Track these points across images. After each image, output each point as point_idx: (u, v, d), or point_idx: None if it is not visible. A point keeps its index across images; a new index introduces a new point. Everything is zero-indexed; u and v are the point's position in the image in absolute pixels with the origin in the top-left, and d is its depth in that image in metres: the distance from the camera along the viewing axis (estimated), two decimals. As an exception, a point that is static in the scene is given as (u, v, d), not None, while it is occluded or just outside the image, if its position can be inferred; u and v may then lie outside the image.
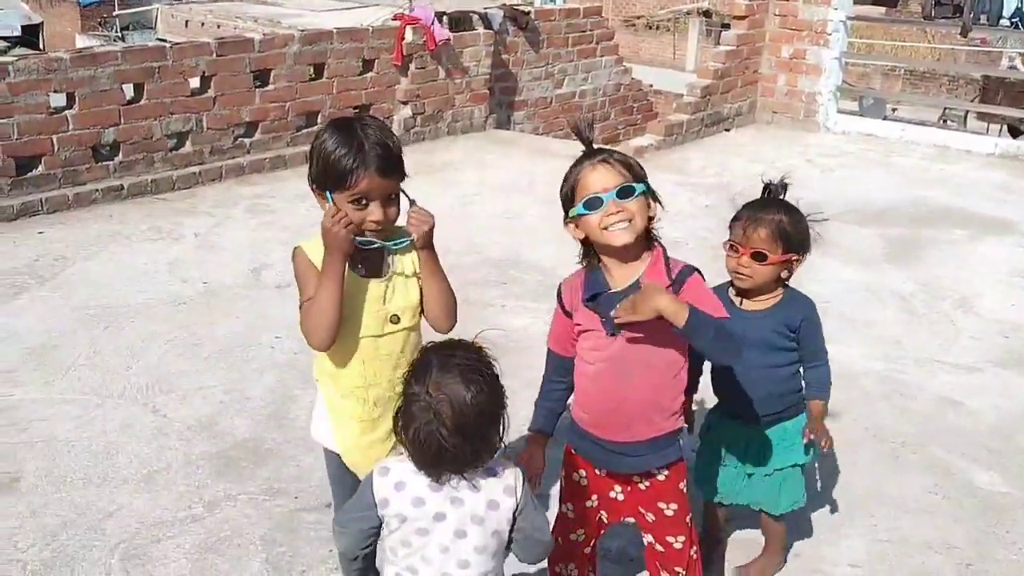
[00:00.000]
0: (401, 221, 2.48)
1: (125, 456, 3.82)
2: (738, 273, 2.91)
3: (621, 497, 2.63)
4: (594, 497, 2.65)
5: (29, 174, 6.51)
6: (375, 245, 2.42)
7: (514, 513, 2.11)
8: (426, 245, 2.47)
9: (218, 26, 15.28)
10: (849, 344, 5.08)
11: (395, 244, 2.44)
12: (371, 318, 2.46)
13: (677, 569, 2.69)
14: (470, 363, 2.05)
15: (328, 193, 2.39)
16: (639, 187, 2.38)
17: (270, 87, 7.73)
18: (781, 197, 3.01)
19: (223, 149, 7.53)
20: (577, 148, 2.53)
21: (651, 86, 12.19)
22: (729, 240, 2.94)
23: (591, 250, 2.48)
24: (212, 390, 4.35)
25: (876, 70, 20.71)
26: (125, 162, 6.98)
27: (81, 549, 3.26)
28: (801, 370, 3.04)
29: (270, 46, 7.68)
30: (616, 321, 2.36)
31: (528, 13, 9.70)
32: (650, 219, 2.43)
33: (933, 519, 3.62)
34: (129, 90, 6.98)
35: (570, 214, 2.43)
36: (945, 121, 13.62)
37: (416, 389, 2.04)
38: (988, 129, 13.05)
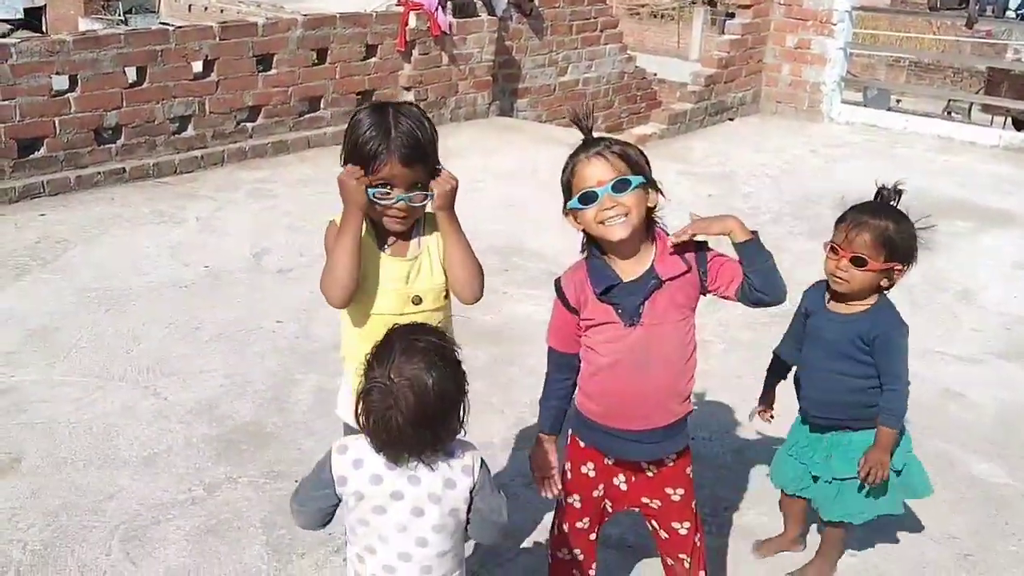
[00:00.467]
0: None
1: (126, 438, 3.82)
2: (836, 276, 2.83)
3: (625, 487, 2.62)
4: (601, 487, 2.64)
5: (31, 156, 6.50)
6: (392, 199, 2.38)
7: (471, 492, 2.11)
8: (444, 206, 2.42)
9: (221, 10, 15.23)
10: (851, 334, 5.07)
11: (409, 197, 2.39)
12: (392, 297, 2.45)
13: (681, 556, 2.68)
14: (433, 348, 2.04)
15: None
16: (635, 180, 2.35)
17: (273, 71, 7.71)
18: (893, 203, 2.88)
19: (225, 133, 7.52)
20: (578, 136, 2.51)
21: (655, 75, 12.15)
22: (830, 241, 2.85)
23: (593, 240, 2.46)
24: (213, 373, 4.35)
25: (880, 61, 20.63)
26: (127, 145, 6.96)
27: (81, 530, 3.27)
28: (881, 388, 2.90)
29: (273, 30, 7.65)
30: (682, 238, 2.38)
31: (532, 0, 9.66)
32: (650, 209, 2.41)
33: (933, 510, 3.61)
34: (132, 73, 6.96)
35: (567, 207, 2.42)
36: (950, 113, 13.56)
37: (377, 373, 2.03)
38: (992, 121, 12.99)
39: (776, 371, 3.23)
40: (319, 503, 2.17)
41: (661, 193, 2.44)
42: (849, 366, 2.87)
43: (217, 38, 7.30)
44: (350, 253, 2.37)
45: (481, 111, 9.26)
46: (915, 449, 4.01)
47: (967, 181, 8.08)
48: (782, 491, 3.24)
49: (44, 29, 20.74)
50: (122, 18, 19.76)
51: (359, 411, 2.05)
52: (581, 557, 2.73)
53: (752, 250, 2.39)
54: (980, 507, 3.67)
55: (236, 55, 7.43)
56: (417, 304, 2.47)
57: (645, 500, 2.63)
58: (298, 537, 3.28)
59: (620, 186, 2.33)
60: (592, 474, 2.62)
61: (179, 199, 6.65)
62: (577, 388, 2.58)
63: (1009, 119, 12.93)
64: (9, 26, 20.24)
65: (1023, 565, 3.37)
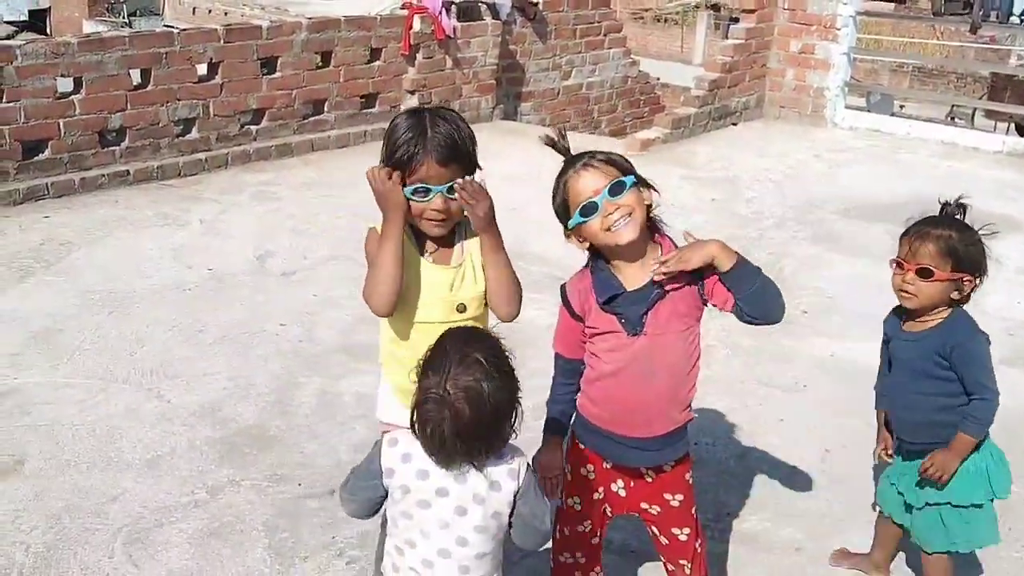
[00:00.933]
0: None
1: (129, 441, 3.82)
2: (903, 291, 2.79)
3: (623, 493, 2.62)
4: (600, 489, 2.64)
5: (36, 158, 6.51)
6: (429, 196, 2.37)
7: (515, 496, 2.11)
8: (484, 228, 2.41)
9: (225, 13, 15.26)
10: (855, 340, 5.07)
11: (443, 189, 2.37)
12: (438, 305, 2.45)
13: (682, 562, 2.68)
14: (488, 357, 2.04)
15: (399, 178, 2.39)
16: (629, 180, 2.35)
17: (277, 74, 7.72)
18: (958, 217, 2.85)
19: (229, 136, 7.52)
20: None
21: (658, 79, 12.15)
22: (895, 257, 2.82)
23: (598, 255, 2.45)
24: (216, 376, 4.36)
25: (884, 66, 20.62)
26: (132, 147, 6.97)
27: (84, 532, 3.27)
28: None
29: (277, 33, 7.66)
30: (662, 271, 2.34)
31: (536, 4, 9.66)
32: (648, 207, 2.41)
33: (936, 516, 3.61)
34: (136, 75, 6.97)
35: (569, 226, 2.41)
36: (953, 118, 13.56)
37: (433, 383, 2.03)
38: (995, 127, 12.99)
39: (879, 405, 3.13)
40: (368, 493, 2.19)
41: (654, 190, 2.44)
42: (930, 385, 2.81)
43: (221, 41, 7.31)
44: (394, 259, 2.37)
45: (485, 115, 9.27)
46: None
47: (971, 187, 7.97)
48: (879, 512, 3.18)
49: (48, 31, 20.78)
50: (126, 20, 19.80)
51: (414, 419, 2.06)
52: (583, 561, 2.72)
53: (737, 277, 2.35)
54: (983, 513, 3.66)
55: (240, 58, 7.44)
56: (462, 312, 2.47)
57: (644, 506, 2.63)
58: (301, 541, 3.29)
59: (616, 188, 2.33)
60: (592, 476, 2.62)
61: (183, 201, 6.66)
62: (580, 391, 2.58)
63: (1012, 125, 12.92)
64: (13, 28, 20.28)
65: (1026, 572, 3.36)
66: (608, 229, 2.34)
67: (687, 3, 24.88)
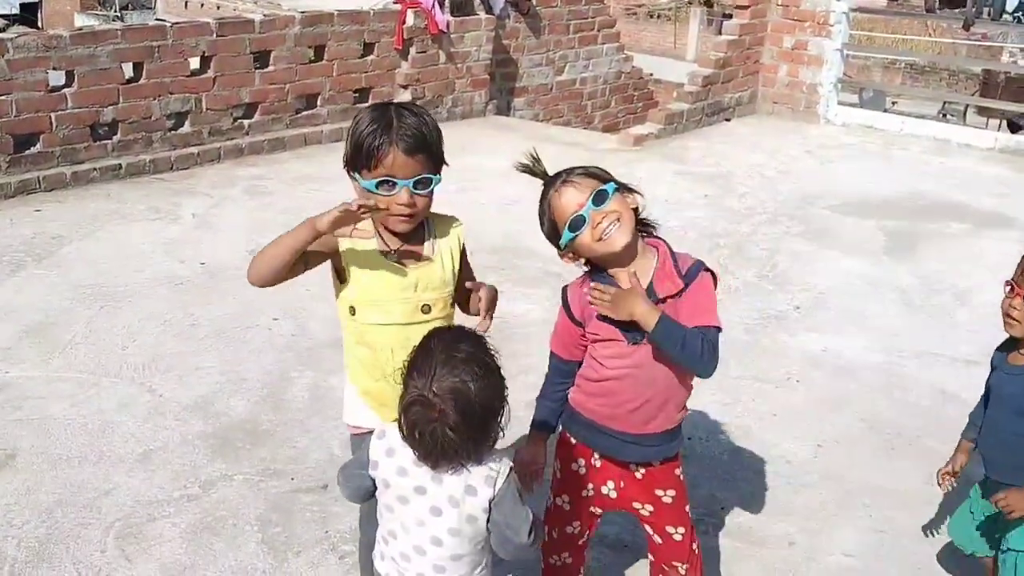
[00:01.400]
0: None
1: (121, 435, 3.81)
2: (1008, 316, 2.60)
3: (614, 494, 2.59)
4: (590, 486, 2.62)
5: (27, 152, 6.48)
6: (395, 189, 2.30)
7: (490, 502, 2.09)
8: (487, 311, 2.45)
9: (218, 7, 15.22)
10: (847, 336, 5.09)
11: (415, 186, 2.31)
12: (401, 306, 2.40)
13: (676, 563, 2.64)
14: (473, 357, 2.02)
15: (357, 175, 2.34)
16: (610, 187, 2.35)
17: (270, 69, 7.70)
18: None
19: (222, 130, 7.50)
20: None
21: (651, 75, 12.16)
22: (1009, 279, 2.61)
23: (596, 268, 2.44)
24: (209, 370, 4.35)
25: (877, 63, 20.68)
26: (124, 141, 6.95)
27: (76, 527, 3.26)
28: None
29: (270, 27, 7.64)
30: (590, 301, 2.36)
31: (530, -1, 9.67)
32: (635, 211, 2.40)
33: (928, 510, 3.62)
34: (128, 69, 6.94)
35: (562, 244, 2.40)
36: (945, 115, 13.60)
37: (419, 384, 2.01)
38: (987, 124, 13.03)
39: (967, 434, 2.94)
40: (358, 481, 2.20)
41: (638, 193, 2.43)
42: None
43: (214, 35, 7.29)
44: (291, 252, 2.31)
45: (478, 110, 9.26)
46: (909, 447, 4.06)
47: (963, 183, 8.10)
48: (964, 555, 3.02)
49: (40, 24, 20.71)
50: (118, 14, 19.74)
51: (401, 423, 2.04)
52: (570, 561, 2.71)
53: (657, 338, 2.31)
54: (975, 508, 3.67)
55: (233, 52, 7.42)
56: (426, 313, 2.42)
57: (636, 505, 2.61)
58: (294, 535, 3.28)
59: (599, 197, 2.33)
60: (583, 472, 2.60)
61: (175, 196, 6.64)
62: (575, 385, 2.57)
63: (1004, 121, 12.96)
64: (5, 21, 20.20)
65: (1018, 566, 3.37)
66: (600, 239, 2.33)
67: (680, -1, 24.92)
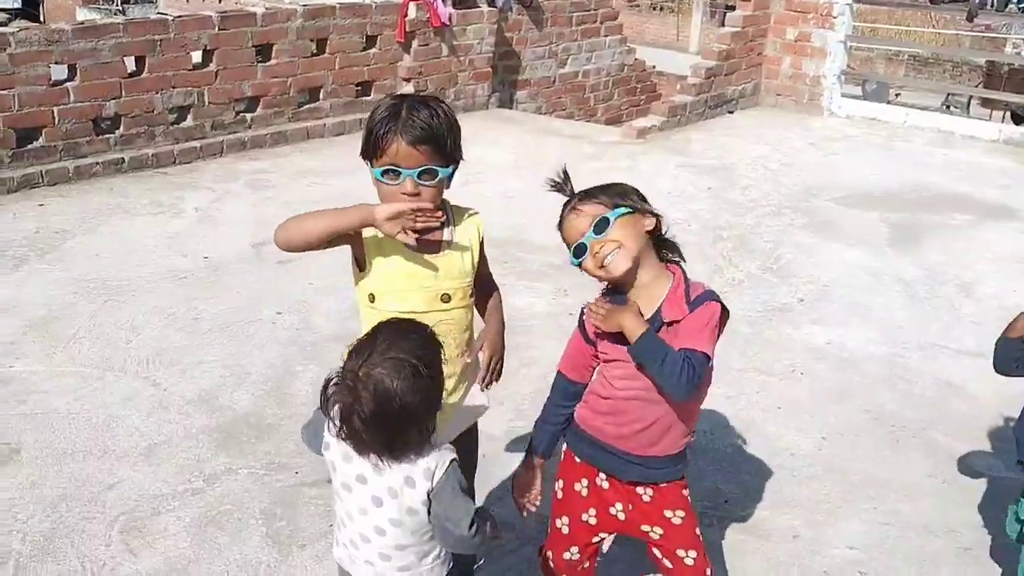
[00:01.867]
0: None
1: (125, 429, 3.81)
2: None
3: (622, 516, 2.55)
4: (592, 511, 2.57)
5: (30, 146, 6.48)
6: (399, 179, 2.32)
7: (429, 494, 2.07)
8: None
9: (219, 0, 15.18)
10: (851, 328, 5.08)
11: (420, 176, 2.33)
12: (421, 294, 2.41)
13: None
14: (412, 355, 1.99)
15: (370, 166, 2.37)
16: (613, 214, 2.32)
17: (272, 62, 7.69)
18: None
19: (224, 124, 7.50)
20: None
21: (654, 67, 12.13)
22: None
23: (616, 288, 2.43)
24: (212, 364, 4.35)
25: (880, 55, 20.60)
26: (126, 135, 6.95)
27: (81, 521, 3.26)
28: None
29: (272, 20, 7.63)
30: (586, 317, 2.37)
31: (532, -9, 9.65)
32: (651, 231, 2.36)
33: (933, 503, 3.62)
34: (131, 63, 6.94)
35: (572, 264, 2.42)
36: (948, 107, 13.56)
37: (351, 365, 2.01)
38: (991, 115, 12.99)
39: None
40: (316, 449, 2.21)
41: (654, 215, 2.38)
42: None
43: (216, 28, 7.28)
44: (327, 230, 2.34)
45: (481, 102, 9.25)
46: (914, 439, 4.05)
47: (967, 175, 8.08)
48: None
49: (42, 18, 20.68)
50: (119, 8, 19.68)
51: (322, 395, 2.04)
52: None
53: (637, 352, 2.29)
54: (980, 500, 3.67)
55: (235, 45, 7.41)
56: (446, 302, 2.43)
57: (645, 528, 2.55)
58: (298, 529, 3.28)
59: (600, 226, 2.32)
60: (585, 492, 2.57)
61: (178, 190, 6.64)
62: (583, 401, 2.54)
63: (1008, 113, 12.92)
64: (7, 15, 20.18)
65: None
66: (602, 266, 2.34)
67: (683, -9, 24.83)
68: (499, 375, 2.66)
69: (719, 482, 3.68)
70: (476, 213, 2.56)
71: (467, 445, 2.63)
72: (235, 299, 5.01)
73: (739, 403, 4.24)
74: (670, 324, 2.33)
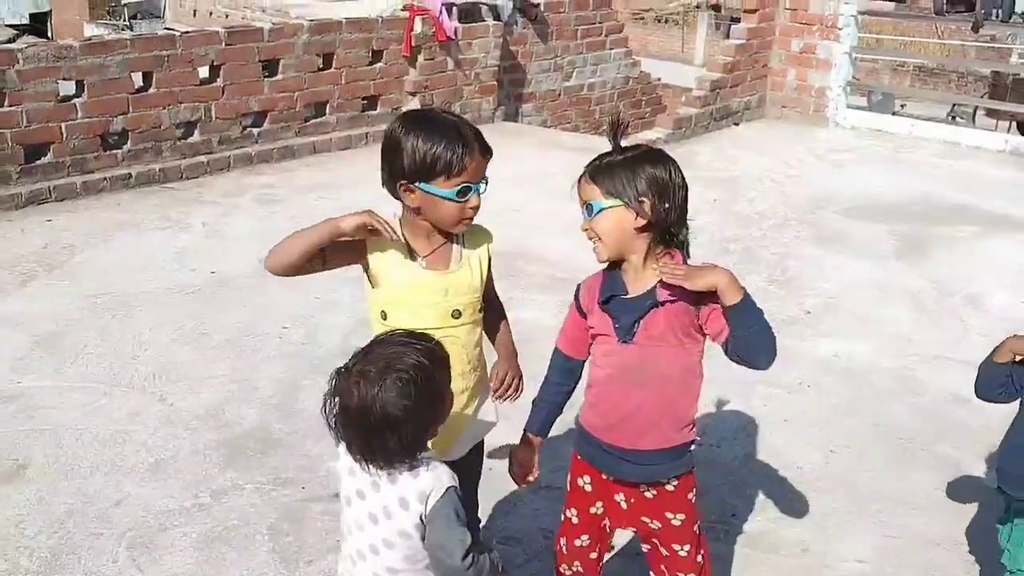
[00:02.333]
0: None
1: (132, 445, 3.82)
2: None
3: (625, 506, 2.56)
4: (599, 504, 2.59)
5: (38, 162, 6.51)
6: (469, 195, 2.38)
7: (422, 519, 2.05)
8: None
9: (226, 15, 15.24)
10: (858, 340, 5.07)
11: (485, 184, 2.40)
12: (432, 310, 2.42)
13: (679, 574, 2.58)
14: (412, 371, 2.00)
15: (426, 185, 2.34)
16: (597, 205, 2.29)
17: (279, 77, 7.72)
18: None
19: (231, 139, 7.53)
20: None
21: (659, 79, 12.15)
22: None
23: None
24: (220, 379, 4.35)
25: (885, 66, 20.62)
26: (134, 151, 6.98)
27: (88, 537, 3.27)
28: None
29: (279, 35, 7.67)
30: (663, 273, 2.27)
31: (537, 5, 9.67)
32: (651, 224, 2.29)
33: (941, 516, 3.61)
34: (138, 79, 6.97)
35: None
36: (954, 118, 13.55)
37: (348, 364, 2.05)
38: (997, 126, 12.97)
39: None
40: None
41: (646, 215, 2.28)
42: None
43: (223, 43, 7.31)
44: (308, 248, 2.36)
45: (486, 116, 9.27)
46: (922, 452, 4.04)
47: (973, 186, 8.07)
48: None
49: (49, 34, 20.81)
50: (127, 23, 19.81)
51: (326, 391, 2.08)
52: (582, 571, 2.68)
53: (739, 314, 2.27)
54: (988, 513, 3.65)
55: (242, 60, 7.45)
56: (457, 318, 2.44)
57: (645, 519, 2.56)
58: (305, 545, 3.28)
59: (587, 211, 2.33)
60: (589, 488, 2.58)
61: (185, 205, 6.66)
62: (584, 402, 2.54)
63: (1014, 124, 12.90)
64: (15, 31, 20.30)
65: (1032, 572, 3.35)
66: (591, 239, 2.36)
67: (688, 3, 24.89)
68: (519, 390, 2.72)
69: (726, 495, 3.67)
70: (485, 230, 2.57)
71: (472, 456, 2.65)
72: (242, 314, 5.02)
73: (746, 416, 4.23)
74: (663, 304, 2.31)
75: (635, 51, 11.76)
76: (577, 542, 2.64)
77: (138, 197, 6.74)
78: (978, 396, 2.80)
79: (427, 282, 2.42)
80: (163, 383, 4.30)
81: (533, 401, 2.65)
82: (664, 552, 2.60)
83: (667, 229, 2.34)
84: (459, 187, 2.35)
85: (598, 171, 2.33)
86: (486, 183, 2.42)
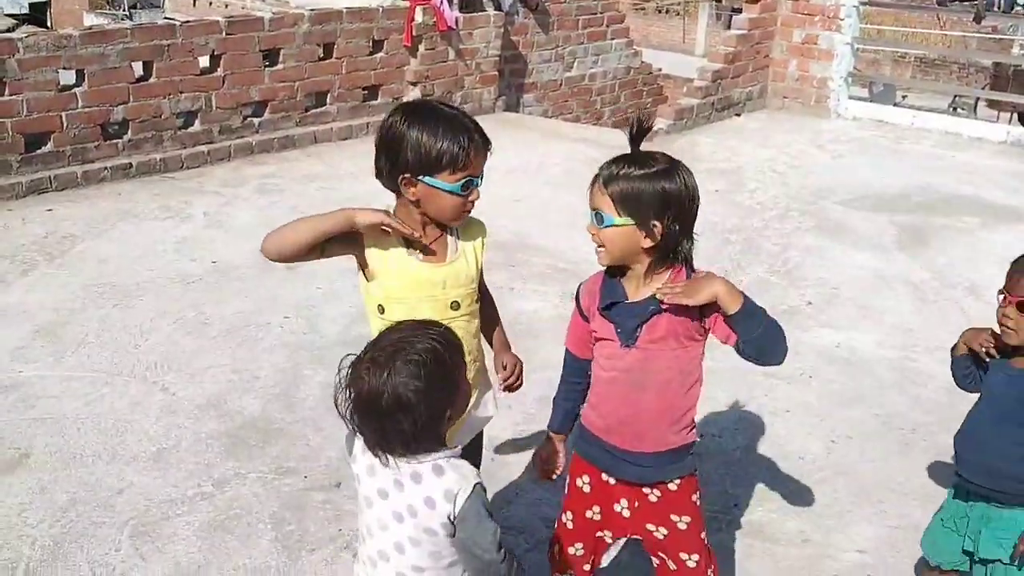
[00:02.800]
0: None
1: (134, 434, 3.82)
2: (1003, 325, 2.57)
3: (627, 513, 2.53)
4: (596, 508, 2.56)
5: (38, 151, 6.50)
6: (470, 188, 2.38)
7: (450, 519, 2.03)
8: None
9: (226, 5, 15.21)
10: (860, 331, 5.07)
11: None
12: (430, 303, 2.41)
13: None
14: (426, 359, 1.98)
15: (429, 179, 2.33)
16: (608, 219, 2.27)
17: (279, 66, 7.70)
18: None
19: (232, 128, 7.51)
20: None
21: (660, 70, 12.13)
22: (1001, 288, 2.61)
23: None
24: (221, 369, 4.35)
25: (886, 57, 20.59)
26: (134, 140, 6.96)
27: (91, 526, 3.27)
28: None
29: (279, 25, 7.65)
30: (665, 301, 2.27)
31: (539, -6, 9.65)
32: (653, 247, 2.28)
33: (943, 506, 3.61)
34: (138, 68, 6.96)
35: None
36: (955, 109, 13.56)
37: (368, 346, 2.04)
38: (998, 117, 12.97)
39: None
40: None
41: (653, 236, 2.26)
42: (1014, 429, 2.60)
43: (223, 33, 7.29)
44: (314, 236, 2.35)
45: (487, 106, 9.25)
46: (923, 443, 4.04)
47: (975, 177, 8.06)
48: (926, 565, 2.91)
49: (49, 24, 20.77)
50: (127, 13, 19.78)
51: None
52: None
53: (740, 321, 2.27)
54: (990, 504, 3.66)
55: (242, 50, 7.43)
56: (456, 309, 2.44)
57: (650, 527, 2.53)
58: (307, 533, 3.29)
59: (597, 219, 2.30)
60: (587, 489, 2.56)
61: (186, 194, 6.65)
62: (585, 401, 2.55)
63: (1016, 115, 12.90)
64: (14, 21, 20.26)
65: (1033, 562, 3.35)
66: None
67: (689, -7, 24.85)
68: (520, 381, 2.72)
69: (728, 485, 3.67)
70: (479, 221, 2.56)
71: (472, 447, 2.65)
72: (243, 303, 5.02)
73: (748, 406, 4.24)
74: (665, 309, 2.30)
75: (636, 41, 11.74)
76: (571, 550, 2.61)
77: (139, 187, 6.73)
78: (959, 387, 2.93)
79: (423, 276, 2.42)
80: (164, 372, 4.30)
81: (553, 400, 2.65)
82: (672, 566, 2.55)
83: (674, 248, 2.33)
84: (463, 180, 2.35)
85: (614, 181, 2.27)
86: (482, 175, 2.42)
